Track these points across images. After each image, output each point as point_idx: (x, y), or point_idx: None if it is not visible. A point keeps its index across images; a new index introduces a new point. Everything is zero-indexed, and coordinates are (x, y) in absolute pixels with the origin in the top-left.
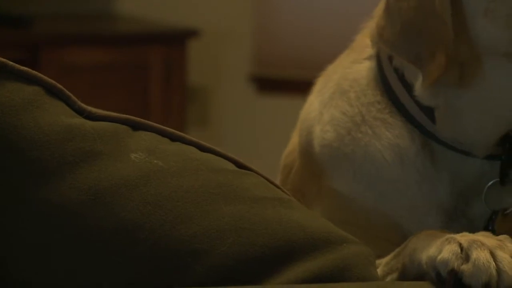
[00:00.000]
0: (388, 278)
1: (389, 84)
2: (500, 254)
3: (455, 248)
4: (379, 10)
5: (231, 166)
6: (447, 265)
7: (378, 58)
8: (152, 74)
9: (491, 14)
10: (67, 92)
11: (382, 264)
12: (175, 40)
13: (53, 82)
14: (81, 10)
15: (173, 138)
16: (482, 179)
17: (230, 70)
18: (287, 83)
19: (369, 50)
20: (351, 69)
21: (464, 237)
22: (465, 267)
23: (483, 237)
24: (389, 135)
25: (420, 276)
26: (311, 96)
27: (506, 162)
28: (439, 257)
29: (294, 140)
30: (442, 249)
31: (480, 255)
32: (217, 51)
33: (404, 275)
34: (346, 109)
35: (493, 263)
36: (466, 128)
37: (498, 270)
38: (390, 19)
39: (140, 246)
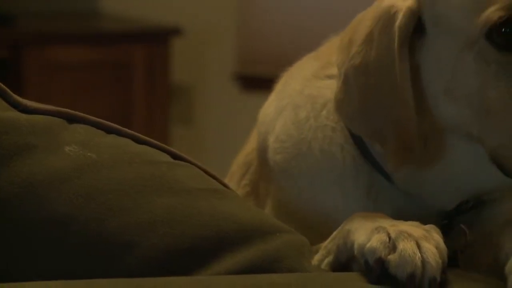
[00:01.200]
0: (325, 261)
1: None
2: (425, 245)
3: (383, 237)
4: (349, 29)
5: (167, 158)
6: (374, 254)
7: None
8: (136, 72)
9: (451, 94)
10: (3, 86)
11: (321, 248)
12: (158, 39)
13: None
14: (65, 8)
15: (109, 131)
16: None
17: (214, 69)
18: (271, 81)
19: (333, 69)
20: (310, 82)
21: (393, 227)
22: (391, 257)
23: (411, 227)
24: (332, 176)
25: (352, 259)
26: (272, 95)
27: (455, 213)
28: (367, 245)
29: (254, 140)
30: (371, 237)
31: (407, 246)
32: (200, 50)
33: (338, 258)
34: (292, 133)
35: (419, 254)
36: (424, 193)
37: (423, 261)
38: (348, 94)
39: (72, 238)
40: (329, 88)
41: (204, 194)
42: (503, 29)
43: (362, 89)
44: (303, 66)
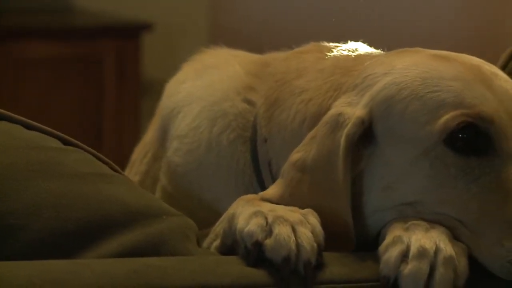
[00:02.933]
0: (214, 245)
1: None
2: (301, 229)
3: (260, 221)
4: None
5: (56, 143)
6: (251, 238)
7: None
8: (107, 67)
9: (400, 199)
10: None
11: (211, 231)
12: (129, 34)
13: None
14: (35, 4)
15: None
16: None
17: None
18: None
19: (255, 95)
20: (228, 96)
21: (272, 212)
22: (267, 241)
23: (288, 212)
24: (222, 173)
25: (236, 243)
26: (186, 73)
27: None
28: (245, 229)
29: (153, 129)
30: (250, 222)
31: (282, 231)
32: (172, 45)
33: (224, 241)
34: (194, 132)
35: (294, 238)
36: None
37: (298, 245)
38: (291, 198)
39: None
40: (241, 115)
41: (92, 178)
42: (461, 135)
43: (303, 197)
44: (234, 61)
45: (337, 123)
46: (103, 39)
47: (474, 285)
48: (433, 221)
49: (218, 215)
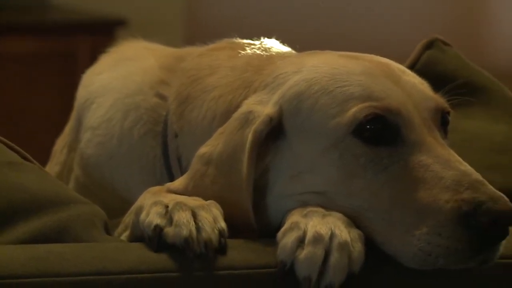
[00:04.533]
0: (124, 235)
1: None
2: (201, 213)
3: (160, 209)
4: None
5: None
6: (151, 224)
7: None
8: (81, 63)
9: (308, 188)
10: None
11: (121, 222)
12: (103, 30)
13: None
14: (11, 0)
15: None
16: None
17: None
18: None
19: (168, 90)
20: (142, 91)
21: (172, 200)
22: (168, 227)
23: (189, 199)
24: (135, 168)
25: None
26: (105, 62)
27: None
28: (147, 219)
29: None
30: (150, 211)
31: (182, 215)
32: (147, 40)
33: (133, 232)
34: (108, 125)
35: (193, 222)
36: None
37: (198, 228)
38: (194, 190)
39: None
40: (153, 110)
41: None
42: (369, 126)
43: (207, 190)
44: (150, 54)
45: (246, 120)
46: (78, 35)
47: (371, 271)
48: (344, 211)
49: (130, 205)
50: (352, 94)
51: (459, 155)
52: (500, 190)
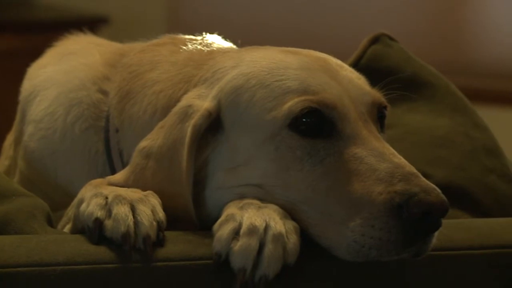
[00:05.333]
0: (66, 227)
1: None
2: (140, 207)
3: (100, 201)
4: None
5: None
6: (91, 217)
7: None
8: None
9: (245, 181)
10: None
11: (64, 214)
12: (86, 27)
13: None
14: None
15: None
16: None
17: None
18: None
19: (110, 85)
20: (85, 86)
21: (112, 193)
22: (107, 221)
23: (128, 192)
24: (78, 162)
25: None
26: (50, 57)
27: None
28: (87, 210)
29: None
30: (90, 202)
31: (120, 209)
32: (129, 39)
33: (75, 224)
34: (50, 119)
35: (131, 216)
36: None
37: (136, 222)
38: (134, 183)
39: None
40: (97, 102)
41: None
42: (305, 119)
43: (147, 182)
44: (95, 49)
45: (186, 114)
46: (61, 32)
47: (307, 262)
48: (281, 204)
49: (73, 199)
50: (289, 88)
51: (402, 149)
52: (440, 183)
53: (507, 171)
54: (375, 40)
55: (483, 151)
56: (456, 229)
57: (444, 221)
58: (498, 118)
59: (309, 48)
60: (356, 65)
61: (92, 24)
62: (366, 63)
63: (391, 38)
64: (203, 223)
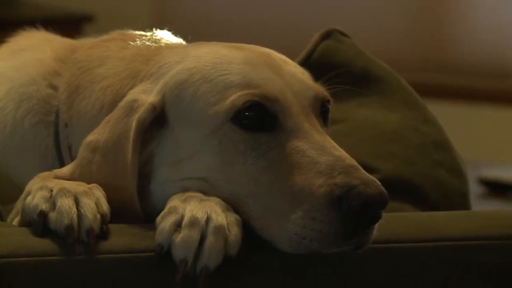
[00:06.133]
0: (15, 220)
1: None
2: (84, 200)
3: (45, 194)
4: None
5: None
6: (36, 209)
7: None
8: None
9: (188, 174)
10: None
11: (14, 207)
12: (70, 25)
13: None
14: None
15: None
16: None
17: None
18: None
19: (60, 80)
20: (36, 80)
21: (57, 186)
22: (51, 214)
23: (73, 185)
24: (28, 156)
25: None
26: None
27: None
28: (32, 203)
29: None
30: (36, 195)
31: (64, 202)
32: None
33: (23, 217)
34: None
35: (75, 209)
36: None
37: (80, 215)
38: (81, 177)
39: None
40: (47, 97)
41: None
42: (247, 113)
43: (93, 175)
44: (47, 45)
45: (131, 109)
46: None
47: (249, 254)
48: (224, 197)
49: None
50: (232, 82)
51: (351, 143)
52: (388, 177)
53: (456, 166)
54: (327, 35)
55: (432, 146)
56: (399, 222)
57: (387, 214)
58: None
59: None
60: (307, 60)
61: (77, 22)
62: (317, 58)
63: (342, 34)
64: (149, 216)
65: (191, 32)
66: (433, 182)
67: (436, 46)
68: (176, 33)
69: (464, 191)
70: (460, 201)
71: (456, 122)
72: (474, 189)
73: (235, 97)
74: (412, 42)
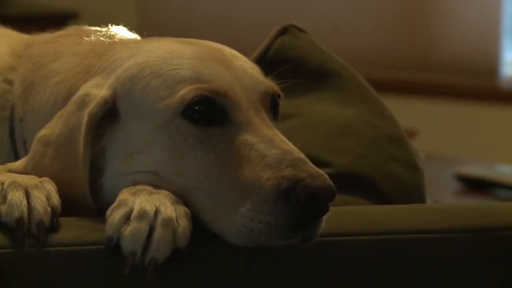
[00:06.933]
0: None
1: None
2: (34, 193)
3: None
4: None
5: None
6: None
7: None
8: None
9: (139, 167)
10: None
11: None
12: (55, 23)
13: None
14: None
15: None
16: None
17: None
18: None
19: (15, 75)
20: None
21: (8, 179)
22: (2, 206)
23: (24, 178)
24: None
25: None
26: None
27: None
28: None
29: None
30: None
31: (15, 195)
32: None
33: None
34: None
35: (25, 202)
36: None
37: (30, 208)
38: (33, 170)
39: None
40: (2, 92)
41: None
42: (197, 107)
43: (45, 169)
44: (3, 40)
45: (83, 103)
46: (30, 28)
47: (198, 247)
48: (175, 190)
49: None
50: (182, 77)
51: (306, 138)
52: (343, 172)
53: (411, 160)
54: (284, 31)
55: (387, 140)
56: (348, 215)
57: (337, 208)
58: (446, 112)
59: None
60: (264, 56)
61: (61, 20)
62: (274, 53)
63: (300, 29)
64: (102, 210)
65: (178, 30)
66: (387, 176)
67: (420, 44)
68: (161, 30)
69: (419, 185)
70: (414, 195)
71: (436, 119)
72: (452, 185)
73: (185, 92)
74: (396, 41)
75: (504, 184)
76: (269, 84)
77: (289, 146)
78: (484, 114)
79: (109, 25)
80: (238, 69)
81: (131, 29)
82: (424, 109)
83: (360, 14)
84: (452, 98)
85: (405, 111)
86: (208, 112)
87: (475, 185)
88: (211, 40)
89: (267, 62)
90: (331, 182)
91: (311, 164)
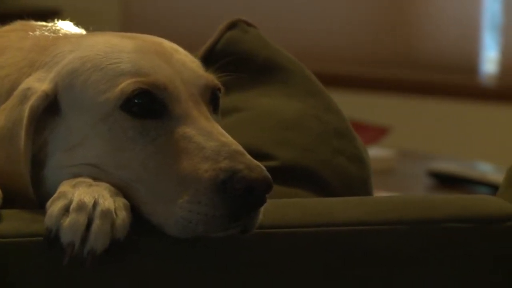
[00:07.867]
0: None
1: None
2: None
3: None
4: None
5: None
6: None
7: None
8: None
9: (79, 160)
10: None
11: None
12: (37, 20)
13: None
14: None
15: None
16: None
17: None
18: None
19: None
20: None
21: None
22: None
23: None
24: None
25: None
26: None
27: None
28: None
29: None
30: None
31: None
32: None
33: None
34: None
35: None
36: None
37: None
38: None
39: None
40: None
41: None
42: (136, 100)
43: None
44: None
45: (25, 97)
46: None
47: (137, 238)
48: (115, 183)
49: None
50: (122, 71)
51: (252, 131)
52: (288, 165)
53: (358, 153)
54: (232, 25)
55: (334, 134)
56: (290, 208)
57: (279, 200)
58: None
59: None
60: (212, 50)
61: (43, 16)
62: (222, 48)
63: (248, 24)
64: (44, 202)
65: (161, 28)
66: (333, 169)
67: (400, 41)
68: (144, 27)
69: (365, 178)
70: (360, 189)
71: (417, 116)
72: (425, 181)
73: (124, 85)
74: (375, 38)
75: (477, 180)
76: (209, 77)
77: (227, 138)
78: (465, 111)
79: (55, 20)
80: (178, 63)
81: (113, 26)
82: (404, 106)
83: (340, 11)
84: (433, 95)
85: (386, 107)
86: (147, 105)
87: (448, 182)
88: (195, 37)
89: (216, 55)
90: (268, 174)
91: (249, 156)
